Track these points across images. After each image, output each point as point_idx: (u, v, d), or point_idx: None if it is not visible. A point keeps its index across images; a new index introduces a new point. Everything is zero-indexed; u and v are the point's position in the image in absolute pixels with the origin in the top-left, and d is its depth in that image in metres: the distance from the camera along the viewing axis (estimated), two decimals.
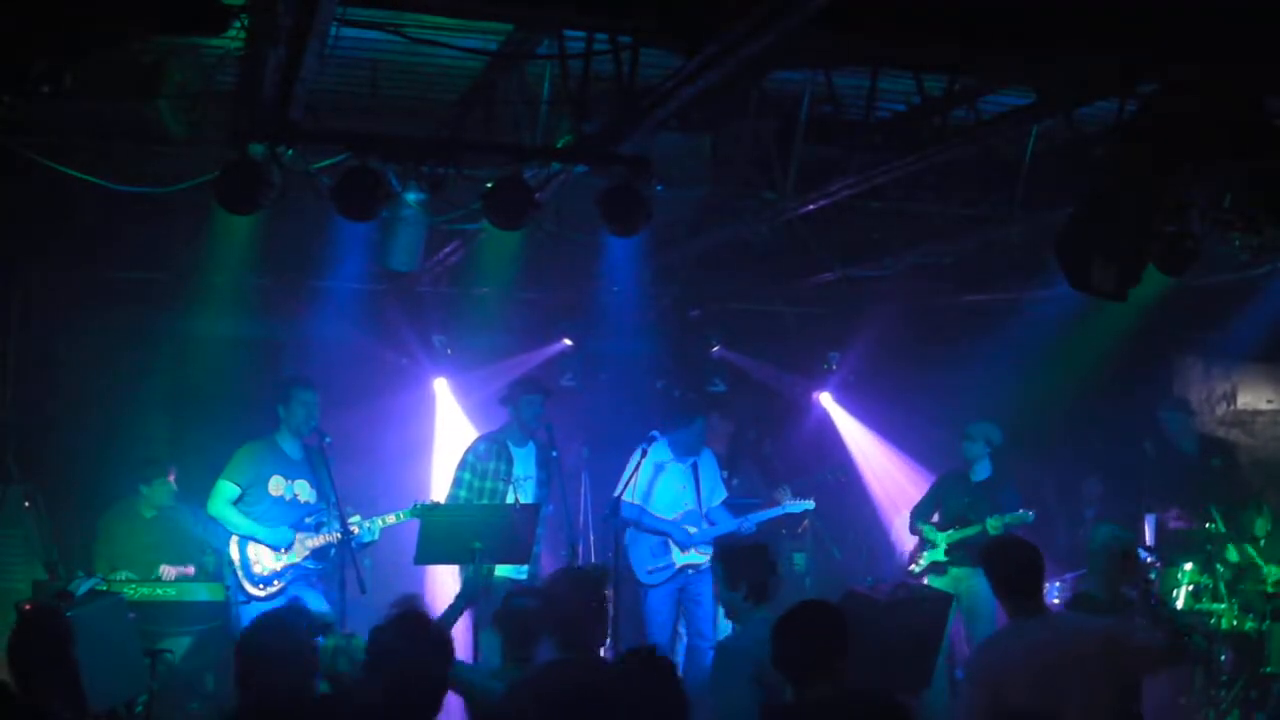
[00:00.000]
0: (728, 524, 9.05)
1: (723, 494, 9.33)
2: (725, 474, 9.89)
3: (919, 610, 6.82)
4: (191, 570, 8.53)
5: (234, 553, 7.68)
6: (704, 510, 9.11)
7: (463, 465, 8.28)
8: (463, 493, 8.19)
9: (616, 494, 8.72)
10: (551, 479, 8.31)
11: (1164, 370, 11.67)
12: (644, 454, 8.75)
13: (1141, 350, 10.83)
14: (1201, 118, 5.48)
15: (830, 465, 10.74)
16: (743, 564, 5.79)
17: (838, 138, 7.21)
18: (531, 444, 8.33)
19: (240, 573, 7.65)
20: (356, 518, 7.71)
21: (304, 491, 7.86)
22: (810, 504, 9.52)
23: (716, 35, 4.88)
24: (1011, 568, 5.36)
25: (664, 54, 5.66)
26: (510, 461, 8.21)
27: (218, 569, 8.16)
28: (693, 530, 8.97)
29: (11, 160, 6.63)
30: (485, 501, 8.09)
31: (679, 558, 8.88)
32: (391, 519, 7.82)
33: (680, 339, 11.53)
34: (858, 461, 11.49)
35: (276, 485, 7.80)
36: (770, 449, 11.59)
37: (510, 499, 8.12)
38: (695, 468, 9.18)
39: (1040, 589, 5.47)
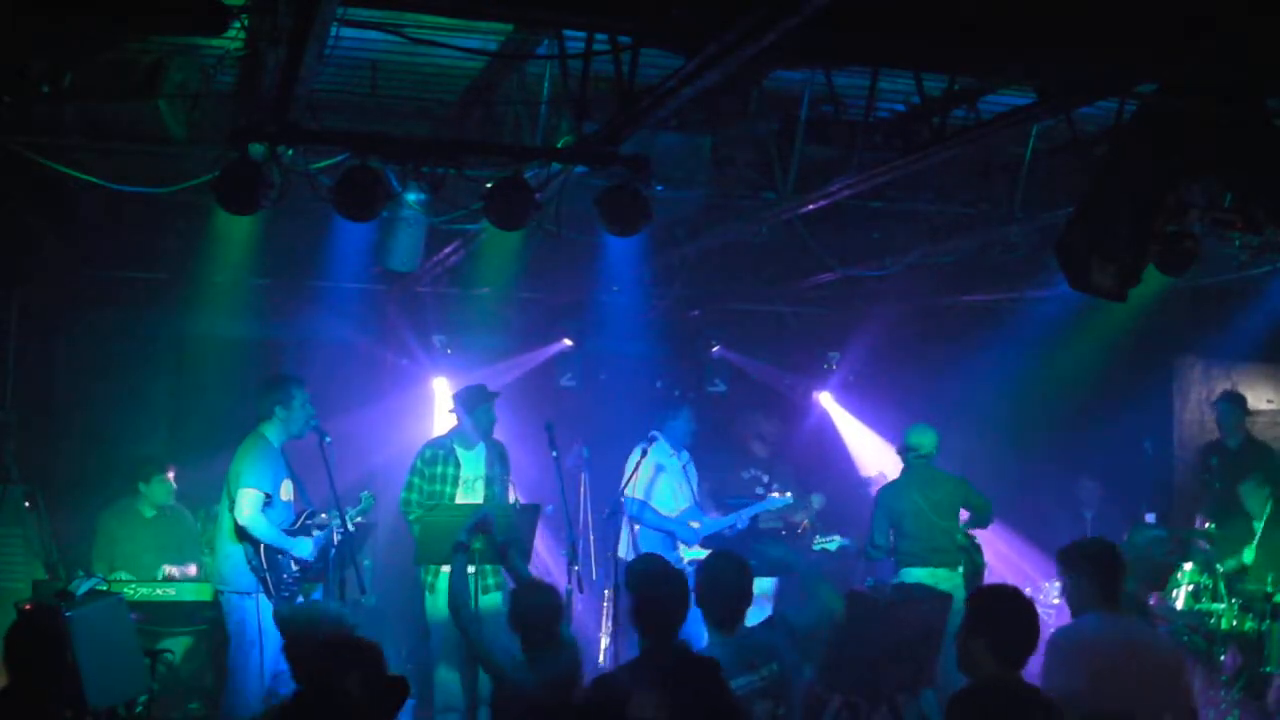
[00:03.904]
0: (721, 521, 9.20)
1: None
2: (765, 477, 9.95)
3: (919, 610, 6.83)
4: (193, 570, 8.52)
5: (263, 555, 7.56)
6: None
7: (412, 470, 8.43)
8: (413, 495, 8.32)
9: (626, 493, 8.86)
10: (507, 474, 8.45)
11: (1164, 370, 11.67)
12: (644, 454, 8.83)
13: (1141, 350, 10.84)
14: (1201, 118, 5.48)
15: (860, 478, 10.78)
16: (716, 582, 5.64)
17: (838, 138, 7.20)
18: (481, 445, 8.43)
19: (269, 578, 7.54)
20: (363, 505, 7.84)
21: (286, 490, 7.80)
22: (789, 499, 9.55)
23: (716, 35, 4.88)
24: None
25: (664, 54, 5.65)
26: (458, 465, 8.34)
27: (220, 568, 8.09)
28: (696, 525, 9.06)
29: (11, 160, 6.63)
30: (432, 504, 8.16)
31: (686, 553, 8.96)
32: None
33: (680, 339, 11.54)
34: (858, 461, 11.50)
35: (286, 490, 7.76)
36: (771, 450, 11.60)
37: (460, 500, 8.22)
38: (685, 469, 9.29)
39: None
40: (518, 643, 5.68)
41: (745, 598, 5.42)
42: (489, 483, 8.36)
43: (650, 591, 5.13)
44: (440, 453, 8.39)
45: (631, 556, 8.95)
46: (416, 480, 8.34)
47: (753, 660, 5.28)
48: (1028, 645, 4.59)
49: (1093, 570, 5.36)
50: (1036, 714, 4.47)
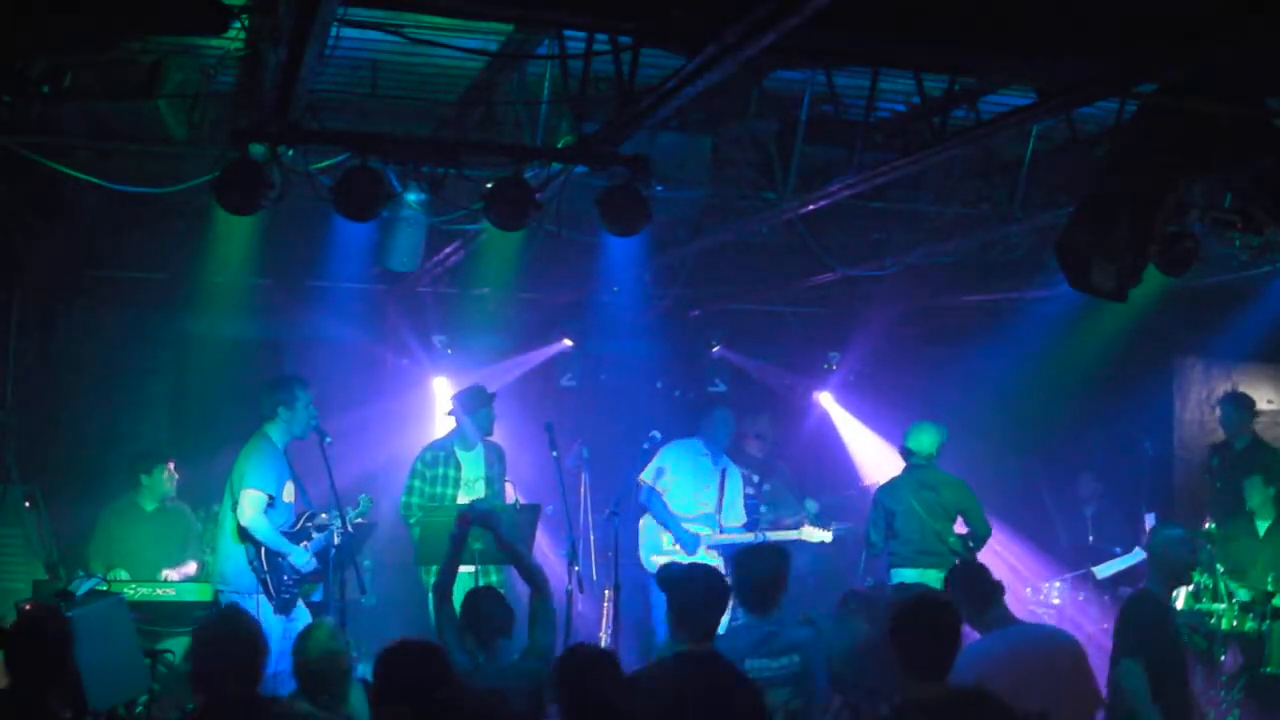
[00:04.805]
0: (740, 541, 9.10)
1: (740, 516, 9.37)
2: (756, 479, 9.94)
3: None
4: (193, 568, 8.51)
5: (264, 557, 7.53)
6: (722, 520, 9.18)
7: (412, 473, 8.49)
8: (415, 499, 8.39)
9: (639, 477, 8.99)
10: (504, 474, 8.56)
11: (1164, 370, 11.67)
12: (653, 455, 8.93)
13: (1141, 350, 10.84)
14: (1201, 118, 5.48)
15: (860, 486, 10.75)
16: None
17: (838, 138, 7.20)
18: (480, 446, 8.49)
19: (270, 579, 7.53)
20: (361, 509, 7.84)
21: (289, 491, 7.79)
22: (828, 536, 9.40)
23: (716, 35, 4.88)
24: None
25: (664, 54, 5.65)
26: (458, 466, 8.43)
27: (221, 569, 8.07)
28: (705, 533, 9.03)
29: (11, 160, 6.63)
30: (434, 505, 8.17)
31: (681, 558, 8.93)
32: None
33: (680, 339, 11.53)
34: (857, 462, 11.49)
35: (289, 491, 7.74)
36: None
37: (461, 501, 8.23)
38: (724, 475, 9.24)
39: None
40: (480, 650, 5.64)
41: (780, 585, 5.55)
42: (489, 483, 8.43)
43: (678, 591, 5.10)
44: (441, 455, 8.43)
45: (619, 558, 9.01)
46: (417, 483, 8.36)
47: (775, 647, 5.39)
48: (936, 655, 4.41)
49: (960, 594, 5.44)
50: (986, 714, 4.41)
